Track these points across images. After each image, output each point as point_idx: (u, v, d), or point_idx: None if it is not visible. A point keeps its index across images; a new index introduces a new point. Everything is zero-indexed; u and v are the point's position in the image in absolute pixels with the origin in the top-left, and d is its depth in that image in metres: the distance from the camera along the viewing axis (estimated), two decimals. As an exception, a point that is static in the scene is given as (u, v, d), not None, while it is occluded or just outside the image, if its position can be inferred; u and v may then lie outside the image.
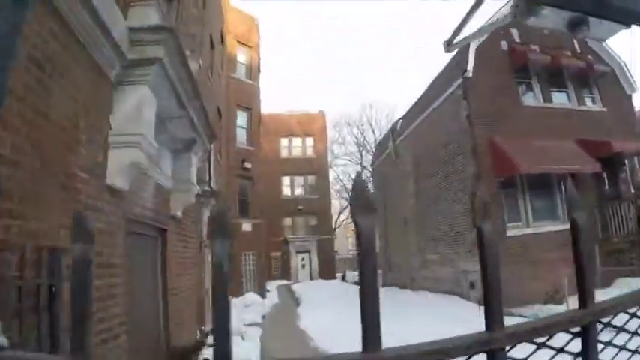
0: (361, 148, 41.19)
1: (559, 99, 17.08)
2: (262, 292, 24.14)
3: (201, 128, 7.01)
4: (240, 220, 23.97)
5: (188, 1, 9.26)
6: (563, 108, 16.74)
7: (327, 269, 42.34)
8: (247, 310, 17.23)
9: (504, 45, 16.58)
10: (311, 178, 45.61)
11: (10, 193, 2.88)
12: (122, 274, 4.70)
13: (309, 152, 46.56)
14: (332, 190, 46.59)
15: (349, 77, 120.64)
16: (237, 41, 26.33)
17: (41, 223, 3.24)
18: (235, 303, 19.16)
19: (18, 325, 2.57)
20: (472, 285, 15.31)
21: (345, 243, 47.69)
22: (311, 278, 41.30)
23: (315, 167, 45.39)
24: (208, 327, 12.48)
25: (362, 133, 41.43)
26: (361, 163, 40.08)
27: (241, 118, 25.98)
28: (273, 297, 24.80)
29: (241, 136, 25.80)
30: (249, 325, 13.82)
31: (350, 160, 43.32)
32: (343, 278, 38.07)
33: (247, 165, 24.80)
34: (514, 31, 16.82)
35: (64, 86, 3.66)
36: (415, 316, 13.54)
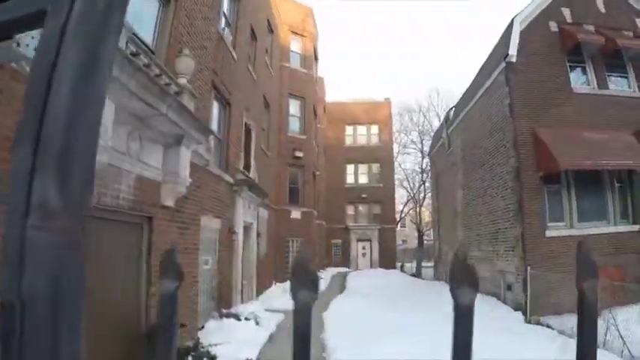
0: (423, 136, 40.25)
1: (617, 85, 15.37)
2: (311, 279, 24.41)
3: (184, 123, 7.19)
4: (290, 208, 24.25)
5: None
6: (622, 95, 15.04)
7: (387, 259, 42.07)
8: (284, 296, 17.43)
9: (553, 26, 15.31)
10: (375, 166, 45.34)
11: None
12: None
13: (374, 140, 46.25)
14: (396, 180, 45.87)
15: (417, 64, 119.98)
16: (291, 31, 26.49)
17: None
18: (273, 289, 19.53)
19: None
20: (509, 287, 14.55)
21: (411, 233, 46.94)
22: (371, 267, 41.22)
23: (380, 155, 45.02)
24: (235, 308, 12.87)
25: (428, 121, 40.58)
26: (422, 151, 39.27)
27: (294, 107, 26.15)
28: (323, 284, 24.94)
29: (294, 124, 25.94)
30: (275, 311, 13.96)
31: (414, 149, 42.50)
32: (401, 269, 37.96)
33: (299, 154, 24.96)
34: (565, 11, 15.57)
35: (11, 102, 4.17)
36: (446, 312, 13.24)
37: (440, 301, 15.70)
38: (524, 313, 12.56)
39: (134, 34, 6.97)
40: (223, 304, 12.64)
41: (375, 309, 14.66)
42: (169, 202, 7.70)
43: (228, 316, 11.60)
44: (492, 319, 12.22)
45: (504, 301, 14.53)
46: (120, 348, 6.48)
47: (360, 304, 15.79)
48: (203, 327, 10.35)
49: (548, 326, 11.15)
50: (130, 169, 6.54)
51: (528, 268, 12.74)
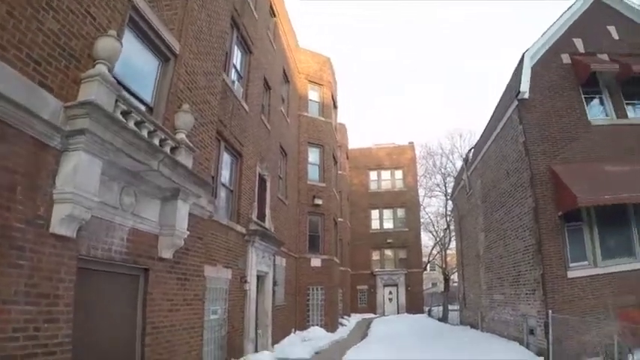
0: (446, 179, 39.91)
1: (636, 113, 14.82)
2: (334, 326, 24.15)
3: (179, 178, 7.39)
4: (310, 255, 24.20)
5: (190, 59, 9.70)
6: None
7: (414, 303, 41.51)
8: (301, 345, 17.25)
9: (566, 57, 15.05)
10: (400, 211, 45.27)
11: None
12: (65, 304, 5.34)
13: (399, 185, 46.34)
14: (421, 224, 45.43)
15: (440, 105, 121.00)
16: (309, 80, 27.02)
17: None
18: (292, 337, 19.33)
19: None
20: (531, 331, 14.01)
21: (440, 276, 46.11)
22: (398, 312, 40.67)
23: (405, 199, 45.02)
24: (246, 357, 12.78)
25: (452, 163, 40.38)
26: (446, 194, 38.89)
27: (313, 155, 26.38)
28: (344, 331, 24.66)
29: (313, 172, 26.15)
30: (291, 360, 13.86)
31: (439, 191, 42.17)
32: (429, 313, 37.25)
33: (318, 201, 25.00)
34: (577, 41, 15.34)
35: None
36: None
37: (459, 348, 15.38)
38: (547, 359, 12.10)
39: (130, 91, 7.28)
40: (234, 353, 12.57)
41: (394, 356, 14.38)
42: (167, 255, 7.80)
43: (237, 366, 11.54)
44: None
45: (527, 346, 14.04)
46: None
47: (381, 352, 15.50)
48: (209, 378, 10.30)
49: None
50: (123, 222, 6.67)
51: (550, 311, 12.32)
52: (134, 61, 7.76)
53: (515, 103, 14.81)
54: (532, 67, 14.69)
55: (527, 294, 14.42)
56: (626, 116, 14.61)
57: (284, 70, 22.27)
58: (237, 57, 14.84)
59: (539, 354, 12.81)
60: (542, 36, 15.19)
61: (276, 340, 17.14)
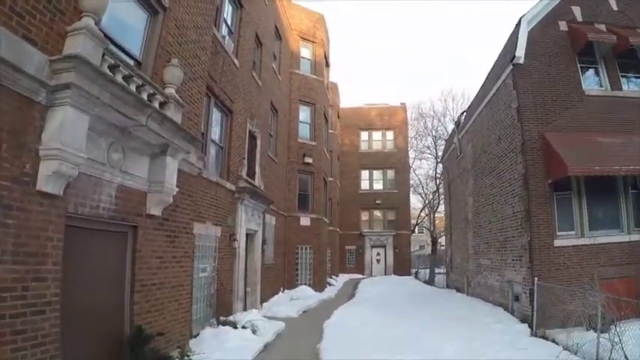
0: (437, 142, 39.72)
1: (632, 86, 14.73)
2: (322, 286, 24.40)
3: (167, 133, 7.24)
4: (299, 214, 24.24)
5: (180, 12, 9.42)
6: (636, 97, 14.31)
7: (402, 265, 41.96)
8: (289, 304, 17.42)
9: (563, 25, 14.72)
10: (390, 172, 45.27)
11: None
12: (53, 262, 5.32)
13: (389, 146, 46.18)
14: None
15: (433, 64, 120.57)
16: (301, 37, 26.54)
17: None
18: (280, 296, 19.52)
19: None
20: (517, 298, 14.15)
21: (428, 239, 46.53)
22: (385, 273, 41.15)
23: (395, 161, 44.94)
24: (235, 315, 12.88)
25: (443, 126, 40.12)
26: (436, 157, 38.81)
27: (304, 113, 26.14)
28: (332, 291, 24.93)
29: (304, 130, 25.96)
30: (276, 319, 13.94)
31: (430, 154, 42.04)
32: (416, 275, 37.76)
33: (308, 160, 24.86)
34: (576, 9, 14.97)
35: None
36: (451, 325, 13.07)
37: (445, 312, 15.57)
38: (531, 326, 12.18)
39: (117, 45, 7.06)
40: (223, 311, 12.66)
41: (379, 318, 14.54)
42: (156, 212, 7.74)
43: (225, 323, 11.60)
44: (497, 332, 12.04)
45: (512, 313, 14.22)
46: (104, 356, 6.54)
47: (365, 313, 15.66)
48: (198, 335, 10.35)
49: (553, 341, 10.76)
50: (111, 179, 6.58)
51: (535, 279, 12.40)
52: (122, 15, 7.50)
53: (510, 67, 14.60)
54: (529, 32, 14.41)
55: (513, 260, 14.53)
56: (620, 88, 14.49)
57: (276, 26, 21.81)
58: (228, 11, 14.47)
59: (523, 320, 12.97)
60: (540, 1, 14.87)
61: (264, 299, 17.29)
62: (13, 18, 4.81)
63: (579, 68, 14.51)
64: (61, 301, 5.38)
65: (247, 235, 15.40)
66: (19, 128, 4.91)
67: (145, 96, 6.91)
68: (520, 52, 14.15)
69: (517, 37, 14.32)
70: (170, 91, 7.94)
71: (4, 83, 4.67)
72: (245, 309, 14.48)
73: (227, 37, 13.89)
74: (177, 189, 8.08)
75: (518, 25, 14.67)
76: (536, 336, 11.67)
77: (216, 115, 13.31)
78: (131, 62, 7.27)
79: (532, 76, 14.23)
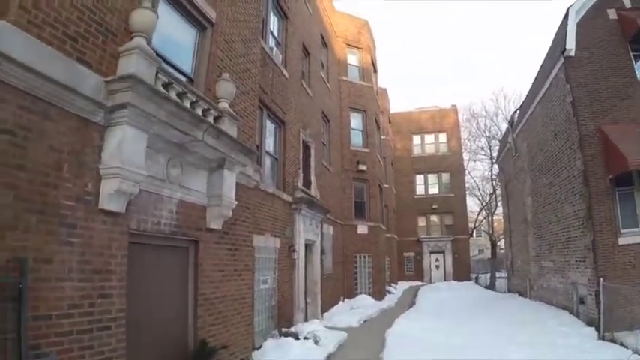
0: (491, 142, 38.59)
1: None
2: (381, 294, 24.13)
3: (224, 147, 7.31)
4: (356, 222, 24.08)
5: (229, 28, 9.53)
6: None
7: (461, 270, 41.07)
8: (350, 313, 17.26)
9: (612, 13, 14.22)
10: (445, 176, 44.59)
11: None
12: (118, 278, 5.43)
13: (443, 149, 45.56)
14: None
15: (483, 65, 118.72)
16: (347, 44, 26.50)
17: (20, 241, 4.22)
18: (341, 305, 19.39)
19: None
20: (582, 300, 13.59)
21: (487, 242, 45.38)
22: (445, 279, 40.38)
23: (449, 164, 44.22)
24: (296, 326, 12.87)
25: (497, 125, 39.01)
26: (491, 158, 37.74)
27: (356, 120, 26.02)
28: (392, 299, 24.59)
29: (356, 138, 25.84)
30: (338, 329, 13.82)
31: (484, 155, 40.93)
32: (476, 280, 36.89)
33: (362, 167, 24.71)
34: None
35: (41, 141, 4.54)
36: (515, 330, 12.67)
37: (507, 317, 15.08)
38: (597, 329, 11.64)
39: (169, 63, 7.19)
40: (284, 322, 12.68)
41: (441, 325, 14.24)
42: (216, 225, 7.82)
43: (287, 334, 11.59)
44: (562, 335, 11.61)
45: (577, 315, 13.68)
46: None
47: (427, 321, 15.36)
48: (260, 347, 10.37)
49: (621, 344, 10.27)
50: (171, 194, 6.69)
51: (601, 279, 11.86)
52: (171, 33, 7.64)
53: (561, 61, 14.24)
54: (577, 23, 14.00)
55: (577, 261, 14.00)
56: (676, 74, 13.78)
57: (321, 35, 21.85)
58: (273, 23, 14.60)
59: (589, 323, 12.43)
60: (586, -10, 14.39)
61: (325, 309, 17.22)
62: (66, 42, 4.95)
63: (632, 57, 13.94)
64: (126, 316, 5.47)
65: (306, 245, 15.43)
66: (78, 149, 5.03)
67: (199, 111, 7.01)
68: (570, 44, 13.81)
69: (566, 29, 13.99)
70: (223, 105, 8.03)
71: (62, 105, 4.81)
72: (306, 319, 14.45)
73: (274, 49, 14.00)
74: (236, 202, 8.13)
75: (565, 16, 14.32)
76: (603, 339, 11.19)
77: (269, 127, 13.43)
78: (183, 79, 7.38)
79: (584, 68, 13.82)
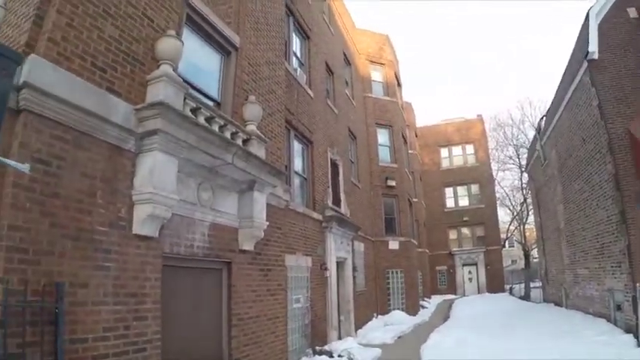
0: (519, 150, 38.01)
1: None
2: (415, 309, 23.88)
3: (253, 169, 7.41)
4: (387, 238, 23.96)
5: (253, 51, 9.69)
6: None
7: (495, 282, 40.31)
8: (384, 330, 17.11)
9: (633, 12, 13.93)
10: (474, 187, 44.09)
11: (24, 249, 4.07)
12: (152, 301, 5.54)
13: (471, 160, 45.12)
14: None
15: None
16: (370, 61, 26.63)
17: (56, 266, 4.35)
18: (374, 322, 19.23)
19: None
20: (618, 307, 13.21)
21: (520, 252, 44.62)
22: (478, 292, 39.72)
23: (478, 175, 43.74)
24: (330, 344, 12.82)
25: (524, 133, 38.46)
26: (520, 166, 37.16)
27: (382, 136, 26.00)
28: (426, 314, 24.30)
29: (384, 154, 25.83)
30: (371, 346, 13.72)
31: (513, 164, 40.32)
32: (510, 292, 36.20)
33: (391, 182, 24.64)
34: None
35: (74, 168, 4.70)
36: (551, 340, 12.37)
37: (544, 328, 14.76)
38: (636, 336, 11.24)
39: (196, 88, 7.35)
40: (318, 341, 12.65)
41: (477, 339, 13.98)
42: (248, 246, 7.91)
43: (321, 353, 11.58)
44: (601, 344, 11.25)
45: (615, 323, 13.31)
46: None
47: (462, 334, 15.10)
48: (296, 366, 10.38)
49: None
50: (203, 217, 6.81)
51: (637, 285, 11.55)
52: (196, 59, 7.83)
53: (585, 64, 14.04)
54: (598, 25, 13.81)
55: (612, 267, 13.63)
56: None
57: (344, 53, 22.01)
58: (296, 44, 14.80)
59: (627, 331, 12.05)
60: (604, -9, 14.22)
61: (358, 326, 17.12)
62: (96, 72, 5.13)
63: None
64: (161, 338, 5.55)
65: (337, 263, 15.42)
66: (111, 175, 5.18)
67: (228, 135, 7.16)
68: (593, 46, 13.61)
69: (587, 32, 13.82)
70: (251, 127, 8.17)
71: (93, 134, 4.96)
72: (340, 337, 14.40)
73: (298, 69, 14.17)
74: (267, 223, 8.21)
75: (586, 19, 14.18)
76: (642, 346, 10.82)
77: (297, 147, 13.56)
78: (211, 103, 7.55)
79: (609, 70, 13.59)
